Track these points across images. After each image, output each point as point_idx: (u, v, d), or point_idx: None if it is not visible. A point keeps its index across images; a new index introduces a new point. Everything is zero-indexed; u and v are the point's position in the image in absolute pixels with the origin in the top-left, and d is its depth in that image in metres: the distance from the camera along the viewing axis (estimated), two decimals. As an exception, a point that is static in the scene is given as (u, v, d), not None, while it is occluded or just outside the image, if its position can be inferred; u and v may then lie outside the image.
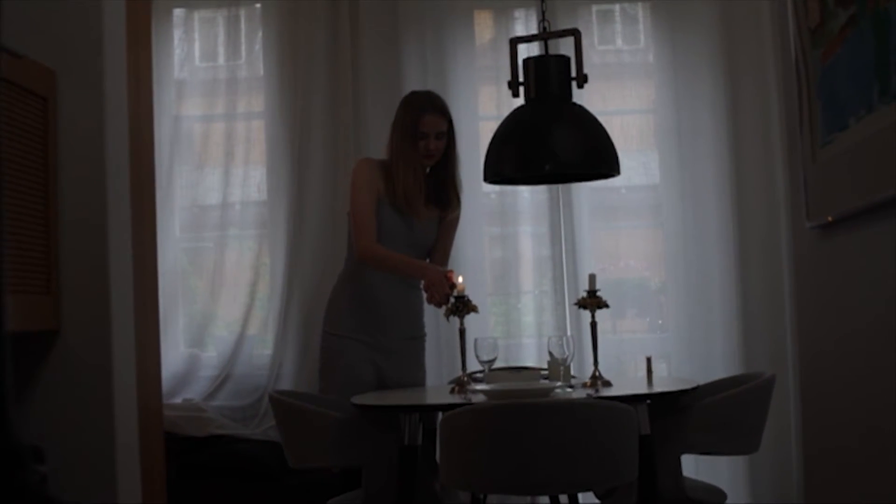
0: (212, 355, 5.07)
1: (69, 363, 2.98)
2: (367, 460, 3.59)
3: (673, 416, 3.56)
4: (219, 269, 5.10)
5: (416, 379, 4.22)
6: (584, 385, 3.74)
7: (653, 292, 5.25)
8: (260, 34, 5.19)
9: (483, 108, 5.13)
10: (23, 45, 2.83)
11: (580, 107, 3.80)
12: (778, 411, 4.30)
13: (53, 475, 2.68)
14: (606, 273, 4.99)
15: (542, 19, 3.91)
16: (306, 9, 5.08)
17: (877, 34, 2.11)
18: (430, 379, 4.40)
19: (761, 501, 4.86)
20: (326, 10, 5.07)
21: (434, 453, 3.79)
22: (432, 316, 4.37)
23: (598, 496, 3.77)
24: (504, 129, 3.79)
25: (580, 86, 3.74)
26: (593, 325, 3.81)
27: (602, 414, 3.11)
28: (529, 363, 4.70)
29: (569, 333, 4.74)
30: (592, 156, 3.75)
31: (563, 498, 4.08)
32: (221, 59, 5.23)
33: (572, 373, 3.88)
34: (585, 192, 4.99)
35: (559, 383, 3.63)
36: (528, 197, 5.08)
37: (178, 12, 5.22)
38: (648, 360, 4.00)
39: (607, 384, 3.73)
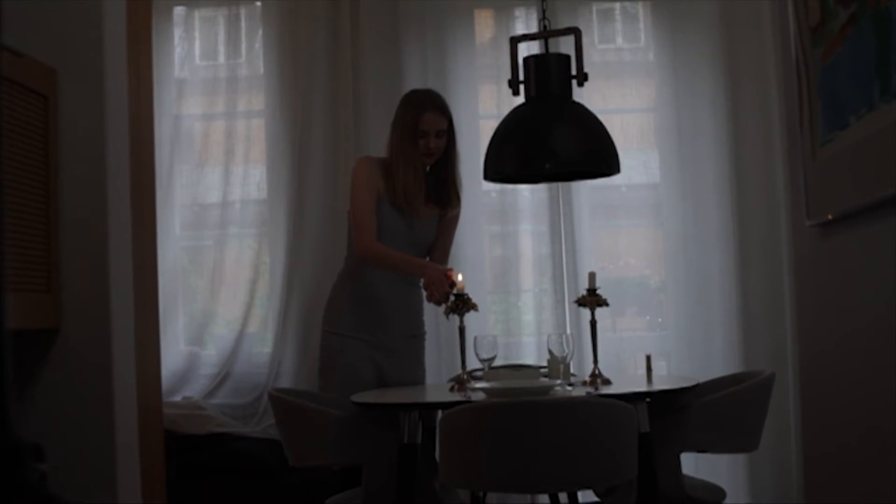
0: (211, 353, 5.08)
1: (69, 361, 2.98)
2: (366, 458, 3.59)
3: (672, 415, 3.56)
4: (219, 268, 5.11)
5: (416, 377, 4.22)
6: (584, 383, 3.74)
7: (652, 291, 5.25)
8: (260, 33, 5.19)
9: (483, 106, 5.13)
10: (23, 43, 2.83)
11: (580, 105, 3.80)
12: (778, 410, 4.30)
13: (53, 473, 2.68)
14: (606, 271, 4.99)
15: (543, 18, 3.91)
16: (307, 7, 5.08)
17: (877, 33, 2.11)
18: (430, 377, 4.40)
19: (761, 500, 4.87)
20: (327, 8, 5.07)
21: (434, 451, 3.79)
22: (432, 314, 4.37)
23: (597, 494, 3.77)
24: (504, 127, 3.79)
25: (580, 84, 3.74)
26: (593, 323, 3.81)
27: (602, 412, 3.11)
28: (529, 361, 4.70)
29: (568, 332, 4.74)
30: (593, 154, 3.75)
31: (563, 496, 4.08)
32: (222, 58, 5.23)
33: (572, 371, 3.88)
34: (585, 191, 4.99)
35: (559, 381, 3.63)
36: (529, 195, 5.08)
37: (179, 11, 5.22)
38: (648, 359, 4.00)
39: (607, 382, 3.73)
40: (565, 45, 4.27)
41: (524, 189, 5.05)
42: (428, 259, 4.19)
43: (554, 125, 3.72)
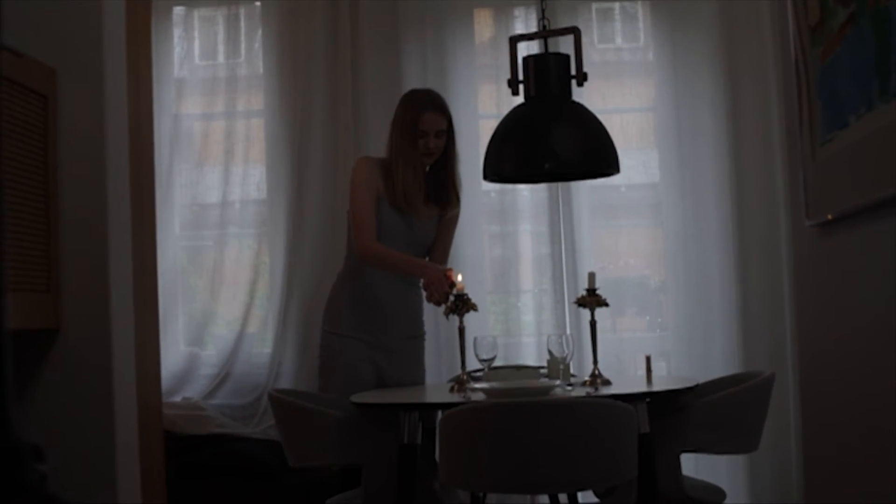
0: (211, 354, 5.08)
1: (69, 361, 2.98)
2: (366, 459, 3.59)
3: (672, 415, 3.56)
4: (218, 268, 5.11)
5: (416, 377, 4.22)
6: (584, 384, 3.74)
7: (652, 291, 5.25)
8: (260, 32, 5.19)
9: (483, 106, 5.13)
10: (23, 43, 2.83)
11: (580, 105, 3.80)
12: (777, 410, 4.30)
13: (53, 473, 2.68)
14: (606, 272, 4.99)
15: (542, 17, 3.91)
16: (306, 7, 5.08)
17: (876, 32, 2.11)
18: (430, 377, 4.40)
19: (761, 500, 4.87)
20: (326, 8, 5.07)
21: (434, 452, 3.79)
22: (432, 314, 4.37)
23: (597, 495, 3.77)
24: (504, 127, 3.79)
25: (580, 84, 3.74)
26: (593, 323, 3.81)
27: (601, 412, 3.11)
28: (529, 362, 4.70)
29: (568, 332, 4.74)
30: (592, 154, 3.75)
31: (563, 497, 4.08)
32: (221, 58, 5.23)
33: (572, 371, 3.88)
34: (585, 191, 4.99)
35: (559, 382, 3.63)
36: (528, 195, 5.08)
37: (178, 10, 5.22)
38: (648, 359, 4.00)
39: (607, 383, 3.73)
40: (565, 45, 4.27)
41: (524, 189, 5.05)
42: (427, 259, 4.19)
43: (553, 125, 3.72)
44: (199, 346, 5.07)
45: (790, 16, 2.75)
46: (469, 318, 3.84)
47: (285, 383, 4.91)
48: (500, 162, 3.79)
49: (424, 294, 3.95)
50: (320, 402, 3.79)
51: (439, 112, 4.07)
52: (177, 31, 5.20)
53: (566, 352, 3.77)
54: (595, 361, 3.80)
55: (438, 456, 3.29)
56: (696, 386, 3.62)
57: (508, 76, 3.78)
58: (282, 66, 5.11)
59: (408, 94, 4.22)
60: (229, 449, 4.69)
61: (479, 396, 3.45)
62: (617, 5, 5.22)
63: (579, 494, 3.98)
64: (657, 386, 3.76)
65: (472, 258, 4.95)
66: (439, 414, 3.54)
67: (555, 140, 3.71)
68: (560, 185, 4.93)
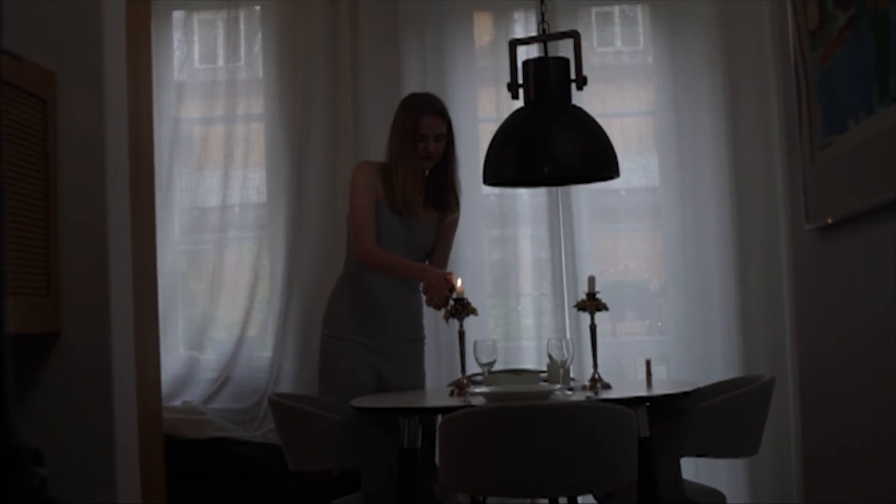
0: (211, 358, 5.07)
1: (69, 365, 2.98)
2: (366, 463, 3.59)
3: (672, 419, 3.56)
4: (218, 272, 5.10)
5: (416, 381, 4.22)
6: (584, 387, 3.74)
7: (652, 294, 5.25)
8: (259, 36, 5.19)
9: (482, 110, 5.13)
10: (22, 46, 2.83)
11: (579, 109, 3.80)
12: (777, 413, 4.30)
13: (53, 477, 2.68)
14: (606, 275, 4.99)
15: (542, 21, 3.91)
16: (306, 11, 5.08)
17: (876, 36, 2.12)
18: (430, 381, 4.40)
19: (761, 501, 4.86)
20: (326, 12, 5.07)
21: (433, 456, 3.79)
22: (431, 318, 4.37)
23: (597, 499, 3.77)
24: (503, 131, 3.80)
25: (579, 88, 3.74)
26: (593, 327, 3.81)
27: (601, 416, 3.11)
28: (529, 366, 4.69)
29: (568, 336, 4.74)
30: (592, 158, 3.75)
31: (563, 500, 4.08)
32: (221, 62, 5.23)
33: (572, 375, 3.88)
34: (585, 195, 4.99)
35: (558, 386, 3.63)
36: (528, 199, 5.08)
37: (178, 14, 5.22)
38: (648, 363, 4.00)
39: (607, 387, 3.73)
40: (564, 49, 4.27)
41: (523, 193, 5.05)
42: (427, 263, 4.19)
43: (553, 129, 3.72)
44: (198, 350, 5.07)
45: (790, 19, 2.75)
46: (469, 321, 3.85)
47: (285, 387, 4.91)
48: (499, 165, 3.79)
49: (424, 298, 3.95)
50: (320, 405, 3.79)
51: (439, 116, 4.07)
52: (176, 35, 5.20)
53: (566, 356, 3.77)
54: (595, 365, 3.80)
55: (438, 460, 3.29)
56: (696, 389, 3.62)
57: (508, 80, 3.78)
58: (281, 69, 5.11)
59: (407, 98, 4.22)
60: (229, 452, 4.69)
61: (479, 400, 3.45)
62: (616, 9, 5.22)
63: (579, 498, 3.98)
64: (657, 390, 3.76)
65: (471, 262, 4.95)
66: (439, 418, 3.54)
67: (555, 144, 3.71)
68: (560, 188, 4.93)
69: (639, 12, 5.21)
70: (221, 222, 5.11)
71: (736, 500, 4.67)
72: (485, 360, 3.77)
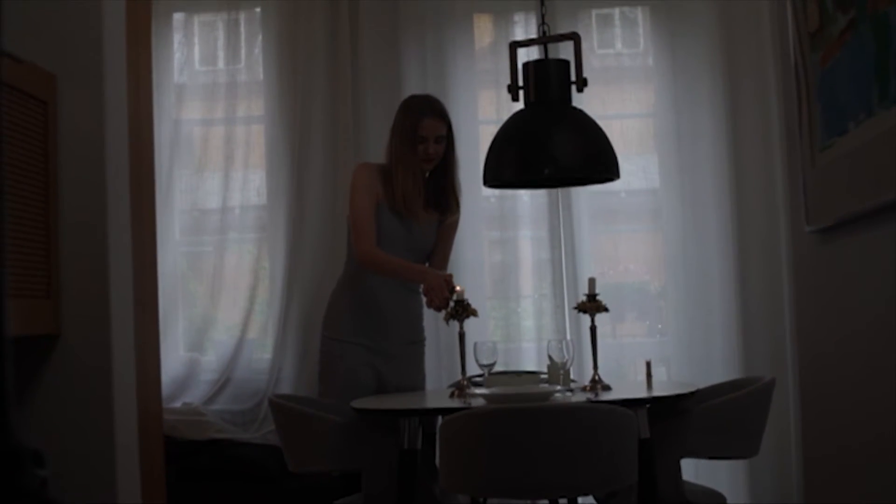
0: (211, 359, 5.07)
1: (69, 367, 2.98)
2: (366, 464, 3.59)
3: (672, 420, 3.56)
4: (218, 273, 5.10)
5: (416, 383, 4.22)
6: (584, 389, 3.75)
7: (652, 296, 5.25)
8: (260, 38, 5.19)
9: (483, 111, 5.13)
10: (22, 48, 2.83)
11: (580, 111, 3.80)
12: (778, 414, 4.30)
13: (53, 478, 2.68)
14: (606, 277, 4.99)
15: (542, 23, 3.92)
16: (306, 13, 5.08)
17: (876, 38, 2.12)
18: (430, 383, 4.40)
19: (761, 502, 4.86)
20: (326, 14, 5.07)
21: (434, 457, 3.79)
22: (432, 320, 4.37)
23: (597, 500, 3.78)
24: (504, 132, 3.80)
25: (580, 90, 3.74)
26: (593, 329, 3.81)
27: (602, 418, 3.11)
28: (529, 367, 4.70)
29: (568, 337, 4.74)
30: (592, 160, 3.75)
31: (563, 501, 4.08)
32: (221, 63, 5.23)
33: (572, 377, 3.88)
34: (585, 196, 4.99)
35: (559, 387, 3.64)
36: (528, 201, 5.08)
37: (178, 16, 5.22)
38: (648, 364, 4.00)
39: (607, 388, 3.73)
40: (565, 51, 4.28)
41: (524, 194, 5.05)
42: (427, 265, 4.19)
43: (553, 130, 3.72)
44: (199, 352, 5.07)
45: (790, 21, 2.75)
46: (469, 323, 3.85)
47: (285, 389, 4.91)
48: (500, 167, 3.79)
49: (424, 300, 3.95)
50: (320, 407, 3.79)
51: (439, 118, 4.07)
52: (177, 37, 5.21)
53: (566, 357, 3.78)
54: (595, 367, 3.81)
55: (439, 461, 3.29)
56: (696, 391, 3.63)
57: (508, 82, 3.79)
58: (282, 71, 5.12)
59: (407, 100, 4.22)
60: (229, 454, 4.69)
61: (480, 402, 3.45)
62: (617, 11, 5.22)
63: (579, 499, 3.98)
64: (657, 391, 3.76)
65: (472, 264, 4.95)
66: (439, 419, 3.54)
67: (555, 145, 3.71)
68: (560, 190, 4.93)
69: (639, 14, 5.22)
70: (222, 224, 5.11)
71: (736, 501, 4.67)
72: (485, 362, 3.77)
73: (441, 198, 4.18)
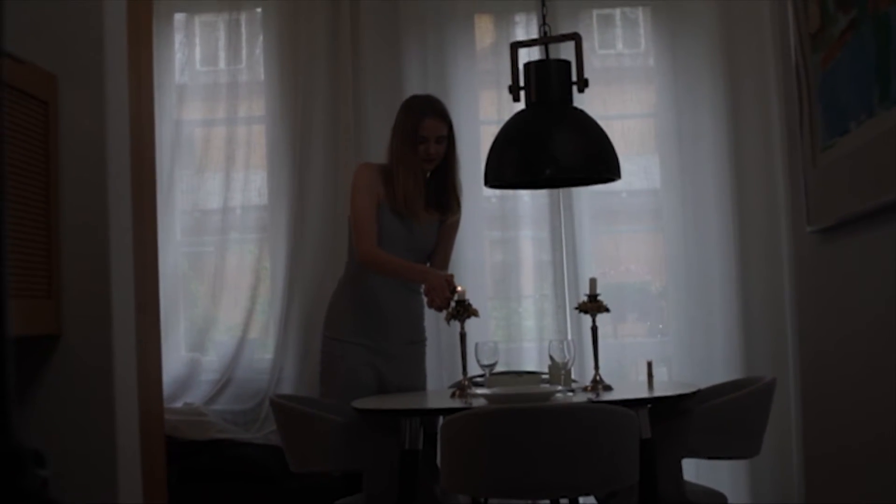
0: (213, 359, 5.08)
1: (70, 367, 2.98)
2: (368, 464, 3.59)
3: (674, 420, 3.56)
4: (220, 273, 5.11)
5: (417, 383, 4.22)
6: (585, 389, 3.75)
7: (653, 296, 5.25)
8: (261, 38, 5.19)
9: (484, 112, 5.13)
10: (23, 48, 2.83)
11: (581, 111, 3.80)
12: (779, 414, 4.30)
13: (54, 479, 2.68)
14: (607, 277, 4.99)
15: (543, 24, 3.92)
16: (307, 13, 5.08)
17: (877, 38, 2.12)
18: (431, 383, 4.40)
19: (762, 502, 4.86)
20: (327, 14, 5.08)
21: (435, 457, 3.79)
22: (433, 320, 4.37)
23: (598, 500, 3.78)
24: (505, 133, 3.80)
25: (581, 90, 3.75)
26: (594, 329, 3.82)
27: (603, 418, 3.11)
28: (530, 367, 4.70)
29: (569, 338, 4.74)
30: (593, 160, 3.75)
31: (564, 502, 4.08)
32: (222, 64, 5.24)
33: (573, 377, 3.89)
34: (586, 197, 4.99)
35: (560, 387, 3.64)
36: (529, 201, 5.08)
37: (179, 17, 5.23)
38: (649, 365, 4.00)
39: (608, 388, 3.73)
40: (566, 51, 4.27)
41: (525, 195, 5.05)
42: (428, 265, 4.19)
43: (554, 131, 3.72)
44: (200, 352, 5.08)
45: (791, 22, 2.75)
46: (470, 323, 3.85)
47: (286, 389, 4.91)
48: (501, 168, 3.79)
49: (425, 300, 3.95)
50: (321, 407, 3.80)
51: (440, 118, 4.07)
52: (178, 37, 5.21)
53: (567, 357, 3.78)
54: (596, 367, 3.81)
55: (440, 461, 3.29)
56: (698, 391, 3.63)
57: (509, 82, 3.79)
58: (283, 71, 5.12)
59: (408, 100, 4.22)
60: (231, 454, 4.69)
61: (481, 402, 3.46)
62: (618, 11, 5.22)
63: (580, 499, 3.97)
64: (658, 391, 3.76)
65: (473, 264, 4.95)
66: (440, 419, 3.54)
67: (556, 146, 3.71)
68: (561, 190, 4.93)
69: (640, 14, 5.22)
70: (223, 224, 5.12)
71: (737, 500, 4.67)
72: (486, 362, 3.77)
73: (442, 198, 4.18)
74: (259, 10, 5.21)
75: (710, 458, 4.08)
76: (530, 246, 5.13)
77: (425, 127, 4.03)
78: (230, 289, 5.12)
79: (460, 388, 3.78)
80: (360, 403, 3.62)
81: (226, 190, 5.12)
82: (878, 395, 2.29)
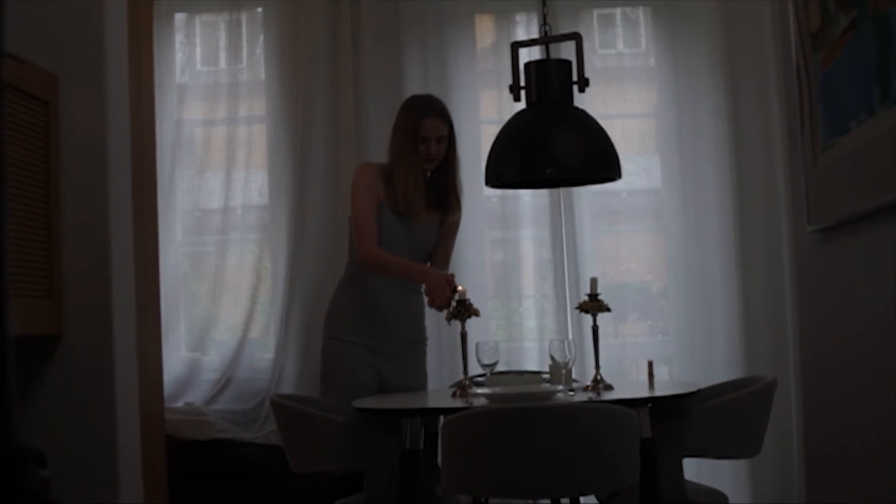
0: (213, 359, 5.08)
1: (71, 367, 2.98)
2: (368, 464, 3.59)
3: (674, 420, 3.56)
4: (220, 273, 5.11)
5: (418, 383, 4.22)
6: (586, 389, 3.75)
7: (654, 296, 5.26)
8: (261, 38, 5.20)
9: (484, 111, 5.14)
10: (24, 48, 2.83)
11: (581, 111, 3.81)
12: (779, 414, 4.30)
13: (55, 479, 2.68)
14: (608, 277, 4.99)
15: (544, 23, 3.92)
16: (307, 13, 5.09)
17: (878, 38, 2.12)
18: (432, 383, 4.40)
19: (762, 502, 4.86)
20: (328, 14, 5.08)
21: (436, 457, 3.79)
22: (433, 320, 4.37)
23: (599, 500, 3.78)
24: (505, 132, 3.80)
25: (581, 90, 3.75)
26: (595, 328, 3.81)
27: (603, 417, 3.11)
28: (531, 367, 4.70)
29: (570, 337, 4.74)
30: (594, 160, 3.75)
31: (565, 501, 4.08)
32: (223, 64, 5.24)
33: (574, 377, 3.88)
34: (587, 196, 4.99)
35: (561, 387, 3.64)
36: (530, 201, 5.08)
37: (180, 17, 5.23)
38: (650, 364, 4.00)
39: (609, 388, 3.73)
40: (566, 51, 4.27)
41: (525, 194, 5.06)
42: (429, 265, 4.19)
43: (555, 130, 3.72)
44: (200, 352, 5.08)
45: (791, 21, 2.75)
46: (471, 323, 3.85)
47: (287, 388, 4.91)
48: (501, 167, 3.79)
49: (426, 299, 3.95)
50: (322, 407, 3.80)
51: (440, 118, 4.07)
52: (178, 37, 5.21)
53: (568, 357, 3.78)
54: (597, 366, 3.81)
55: (441, 461, 3.29)
56: (698, 391, 3.63)
57: (510, 82, 3.79)
58: (283, 71, 5.12)
59: (409, 100, 4.22)
60: (231, 454, 4.69)
61: (482, 402, 3.46)
62: (618, 11, 5.22)
63: (581, 499, 3.97)
64: (659, 391, 3.76)
65: (473, 263, 4.95)
66: (441, 419, 3.54)
67: (556, 145, 3.71)
68: (562, 190, 4.93)
69: (640, 14, 5.22)
70: (223, 224, 5.12)
71: (738, 500, 4.67)
72: (487, 362, 3.77)
73: (442, 198, 4.18)
74: (260, 9, 5.21)
75: (710, 457, 4.08)
76: (531, 245, 5.13)
77: (426, 127, 4.03)
78: (231, 288, 5.12)
79: (461, 388, 3.78)
80: (360, 403, 3.62)
81: (226, 190, 5.12)
82: (878, 395, 2.29)
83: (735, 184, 4.97)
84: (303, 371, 4.96)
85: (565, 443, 3.03)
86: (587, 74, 3.73)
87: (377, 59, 5.06)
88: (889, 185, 2.07)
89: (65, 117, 2.99)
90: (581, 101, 3.90)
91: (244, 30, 5.23)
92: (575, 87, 3.75)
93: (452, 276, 3.89)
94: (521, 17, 5.17)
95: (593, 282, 3.84)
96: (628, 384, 4.39)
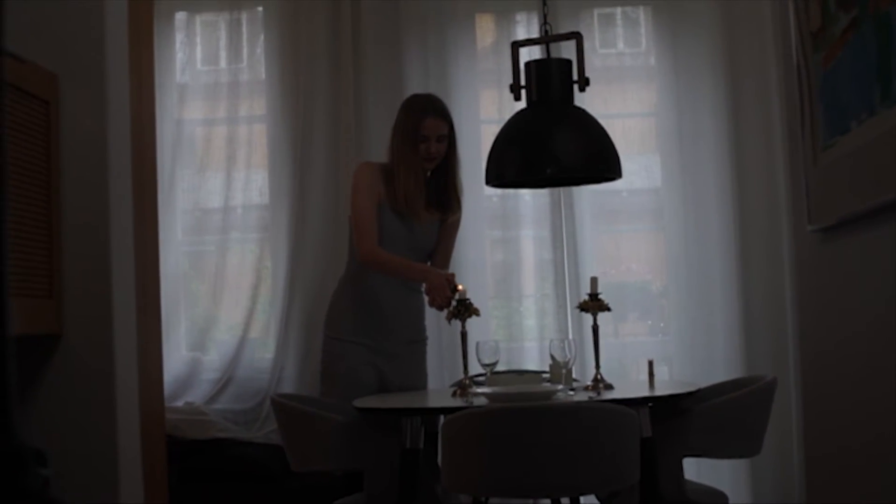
0: (213, 359, 5.08)
1: (71, 367, 2.98)
2: (368, 464, 3.59)
3: (674, 420, 3.56)
4: (220, 273, 5.11)
5: (418, 382, 4.22)
6: (586, 388, 3.75)
7: (654, 295, 5.26)
8: (262, 38, 5.20)
9: (485, 111, 5.13)
10: (24, 47, 2.83)
11: (582, 110, 3.80)
12: (779, 414, 4.30)
13: (55, 478, 2.68)
14: (608, 276, 4.98)
15: (544, 23, 3.92)
16: (308, 12, 5.09)
17: (878, 38, 2.12)
18: (432, 382, 4.40)
19: (763, 502, 4.86)
20: (328, 13, 5.08)
21: (436, 457, 3.79)
22: (434, 319, 4.37)
23: (599, 499, 3.78)
24: (506, 132, 3.80)
25: (582, 89, 3.75)
26: (595, 328, 3.81)
27: (604, 417, 3.11)
28: (531, 367, 4.70)
29: (570, 337, 4.74)
30: (594, 159, 3.75)
31: (565, 501, 4.08)
32: (223, 63, 5.24)
33: (574, 376, 3.89)
34: (587, 196, 4.99)
35: (561, 386, 3.64)
36: (530, 200, 5.08)
37: (180, 16, 5.23)
38: (650, 364, 4.00)
39: (609, 387, 3.73)
40: (567, 50, 4.27)
41: (526, 194, 5.06)
42: (429, 264, 4.19)
43: (555, 130, 3.72)
44: (201, 351, 5.08)
45: (792, 21, 2.75)
46: (471, 322, 3.85)
47: (287, 388, 4.91)
48: (502, 167, 3.79)
49: (426, 299, 3.95)
50: (322, 406, 3.80)
51: (440, 117, 4.07)
52: (179, 37, 5.21)
53: (568, 356, 3.78)
54: (597, 366, 3.81)
55: (441, 460, 3.29)
56: (698, 390, 3.63)
57: (510, 81, 3.79)
58: (284, 70, 5.12)
59: (409, 100, 4.22)
60: (231, 453, 4.69)
61: (482, 401, 3.46)
62: (619, 10, 5.22)
63: (581, 499, 3.98)
64: (659, 390, 3.76)
65: (474, 263, 4.95)
66: (441, 418, 3.54)
67: (557, 145, 3.71)
68: (562, 189, 4.93)
69: (641, 14, 5.22)
70: (224, 224, 5.12)
71: (738, 500, 4.67)
72: (487, 361, 3.77)
73: (443, 197, 4.18)
74: (260, 9, 5.21)
75: (710, 457, 4.07)
76: (531, 245, 5.13)
77: (426, 126, 4.03)
78: (231, 288, 5.12)
79: (461, 388, 3.78)
80: (360, 402, 3.62)
81: (227, 189, 5.12)
82: (878, 395, 2.29)
83: (735, 183, 4.97)
84: (303, 371, 4.96)
85: (565, 442, 3.03)
86: (587, 74, 3.73)
87: (377, 58, 5.06)
88: (889, 185, 2.07)
89: (65, 117, 3.00)
90: (581, 100, 3.90)
91: (245, 29, 5.23)
92: (575, 87, 3.75)
93: (453, 275, 3.89)
94: (521, 17, 5.17)
95: (593, 281, 3.84)
96: (628, 384, 4.39)
